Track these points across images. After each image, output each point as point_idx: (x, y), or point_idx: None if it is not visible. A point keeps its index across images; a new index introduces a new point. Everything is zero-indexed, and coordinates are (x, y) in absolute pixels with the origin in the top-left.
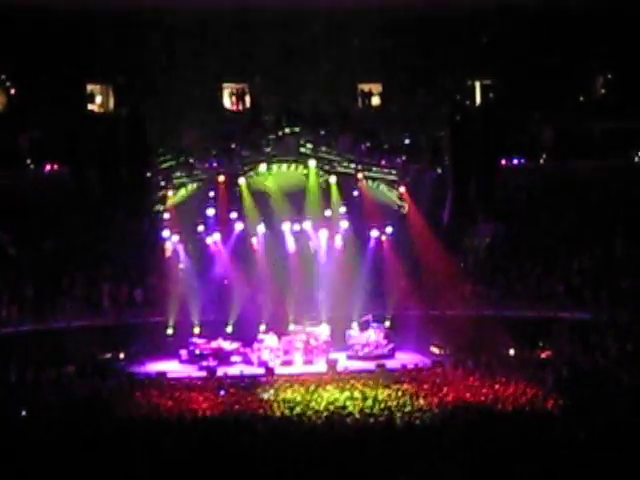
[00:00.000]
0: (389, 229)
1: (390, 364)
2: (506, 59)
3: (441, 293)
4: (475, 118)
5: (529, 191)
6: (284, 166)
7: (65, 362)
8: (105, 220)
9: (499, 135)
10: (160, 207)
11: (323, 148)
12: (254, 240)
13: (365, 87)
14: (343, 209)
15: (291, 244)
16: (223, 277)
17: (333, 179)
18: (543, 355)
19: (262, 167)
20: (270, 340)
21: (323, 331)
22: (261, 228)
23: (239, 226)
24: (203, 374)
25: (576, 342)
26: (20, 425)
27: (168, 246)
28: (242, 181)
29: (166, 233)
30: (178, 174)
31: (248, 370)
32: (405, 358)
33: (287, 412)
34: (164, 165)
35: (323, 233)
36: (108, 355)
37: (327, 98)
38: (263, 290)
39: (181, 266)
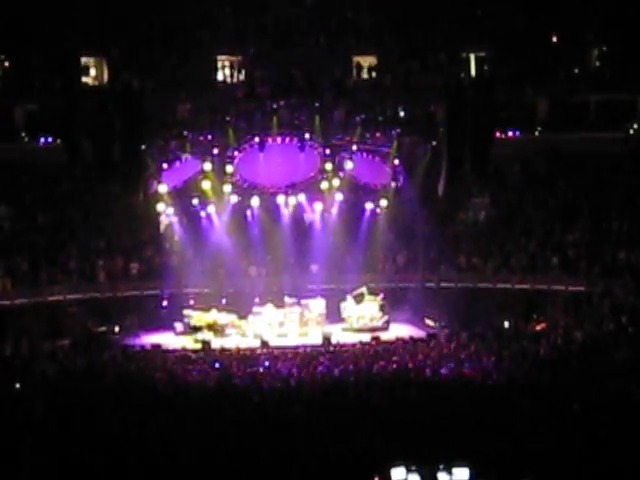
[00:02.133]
0: (384, 202)
1: (385, 336)
2: (500, 32)
3: (435, 265)
4: (470, 90)
5: (523, 163)
6: (278, 139)
7: (60, 335)
8: (99, 193)
9: (493, 107)
10: (156, 180)
11: (317, 120)
12: (248, 213)
13: (360, 59)
14: (337, 182)
15: (285, 217)
16: (217, 250)
17: (327, 151)
18: (538, 328)
19: (256, 139)
20: (267, 312)
21: (318, 304)
22: (255, 201)
23: (233, 199)
24: (198, 346)
25: (571, 314)
26: (14, 397)
27: (163, 219)
28: (236, 154)
29: (161, 206)
30: (173, 147)
31: (243, 343)
32: (400, 330)
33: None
34: (158, 138)
35: (318, 206)
36: (103, 328)
37: (321, 70)
38: (258, 263)
39: (176, 239)
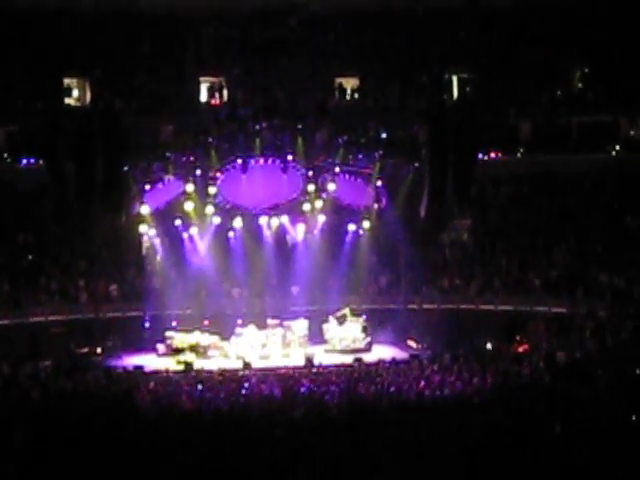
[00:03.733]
0: (366, 223)
1: (367, 357)
2: (483, 53)
3: (417, 287)
4: (452, 112)
5: (506, 185)
6: (261, 161)
7: (42, 356)
8: (81, 214)
9: (476, 129)
10: (138, 202)
11: (300, 142)
12: (231, 234)
13: (342, 81)
14: (320, 203)
15: (268, 238)
16: (200, 271)
17: (310, 173)
18: (520, 349)
19: (239, 161)
20: (248, 333)
21: (301, 325)
22: (238, 222)
23: (216, 220)
24: (181, 368)
25: (553, 336)
26: None
27: (145, 240)
28: (218, 175)
29: (143, 227)
30: (155, 168)
31: (226, 364)
32: (382, 352)
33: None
34: (141, 160)
35: (301, 227)
36: (85, 349)
37: (304, 92)
38: (240, 284)
39: (158, 260)
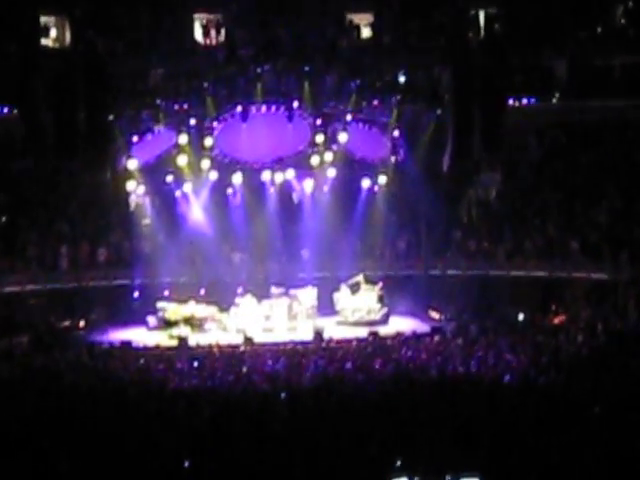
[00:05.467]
0: (382, 178)
1: (383, 331)
2: None
3: (441, 250)
4: (479, 52)
5: (540, 135)
6: (263, 108)
7: (18, 331)
8: (62, 170)
9: (506, 71)
10: (125, 155)
11: (307, 86)
12: (230, 191)
13: (354, 18)
14: (330, 156)
15: (271, 196)
16: (195, 234)
17: (319, 121)
18: (556, 320)
19: (238, 109)
20: (248, 304)
21: (309, 294)
22: (238, 178)
23: (213, 175)
24: (174, 343)
25: (593, 305)
26: None
27: (133, 199)
28: (215, 125)
29: (131, 184)
30: (144, 118)
31: (225, 338)
32: (400, 324)
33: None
34: (128, 108)
35: (308, 183)
36: (66, 323)
37: (312, 30)
38: (241, 248)
39: (147, 222)
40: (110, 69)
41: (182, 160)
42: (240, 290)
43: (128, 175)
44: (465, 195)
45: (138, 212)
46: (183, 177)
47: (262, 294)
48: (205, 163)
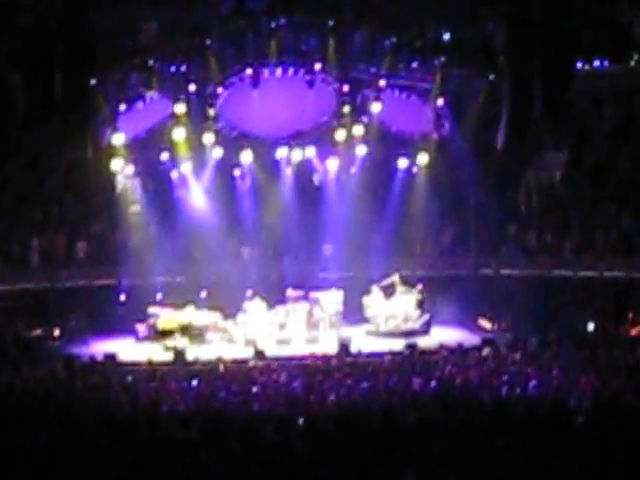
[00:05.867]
0: (423, 157)
1: (424, 342)
2: None
3: (494, 245)
4: (540, 5)
5: (615, 105)
6: (278, 71)
7: None
8: (34, 144)
9: (574, 29)
10: (110, 128)
11: (332, 45)
12: (237, 172)
13: None
14: (360, 130)
15: (288, 178)
16: (195, 224)
17: (346, 87)
18: (634, 331)
19: (248, 72)
20: (259, 310)
21: (333, 298)
22: (247, 156)
23: (217, 153)
24: (169, 357)
25: None
26: None
27: (120, 181)
28: (220, 91)
29: (117, 163)
30: (134, 82)
31: (230, 352)
32: (444, 335)
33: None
34: (114, 70)
35: (333, 163)
36: (38, 331)
37: None
38: (250, 242)
39: (137, 209)
40: (92, 22)
41: (179, 134)
42: (249, 293)
43: (113, 152)
44: (523, 178)
45: (125, 197)
46: (180, 155)
47: (276, 298)
48: (208, 138)
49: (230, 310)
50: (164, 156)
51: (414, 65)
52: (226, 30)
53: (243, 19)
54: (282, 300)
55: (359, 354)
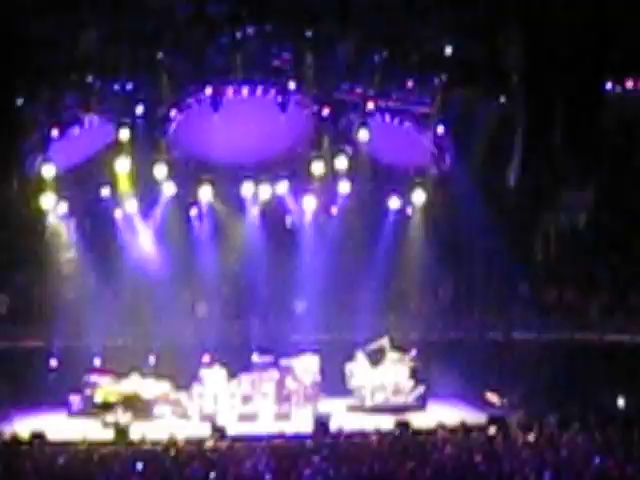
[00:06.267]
0: (419, 196)
1: (418, 420)
2: None
3: (504, 303)
4: (563, 13)
5: None
6: (245, 90)
7: None
8: None
9: (603, 42)
10: (39, 157)
11: (309, 60)
12: (194, 212)
13: None
14: (343, 162)
15: (254, 220)
16: (141, 274)
17: (326, 111)
18: None
19: (207, 91)
20: (217, 379)
21: (308, 365)
22: (206, 192)
23: (170, 189)
24: (108, 435)
25: None
26: None
27: (51, 222)
28: (174, 114)
29: (48, 200)
30: (70, 102)
31: (184, 429)
32: (443, 411)
33: None
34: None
35: (309, 201)
36: None
37: None
38: (208, 296)
39: (71, 256)
40: (19, 29)
41: (123, 166)
42: (206, 358)
43: (43, 186)
44: (540, 222)
45: (57, 241)
46: (125, 191)
47: (239, 365)
48: (159, 170)
49: (183, 379)
50: (105, 192)
51: (409, 85)
52: (181, 41)
53: (202, 28)
54: (246, 367)
55: (339, 434)
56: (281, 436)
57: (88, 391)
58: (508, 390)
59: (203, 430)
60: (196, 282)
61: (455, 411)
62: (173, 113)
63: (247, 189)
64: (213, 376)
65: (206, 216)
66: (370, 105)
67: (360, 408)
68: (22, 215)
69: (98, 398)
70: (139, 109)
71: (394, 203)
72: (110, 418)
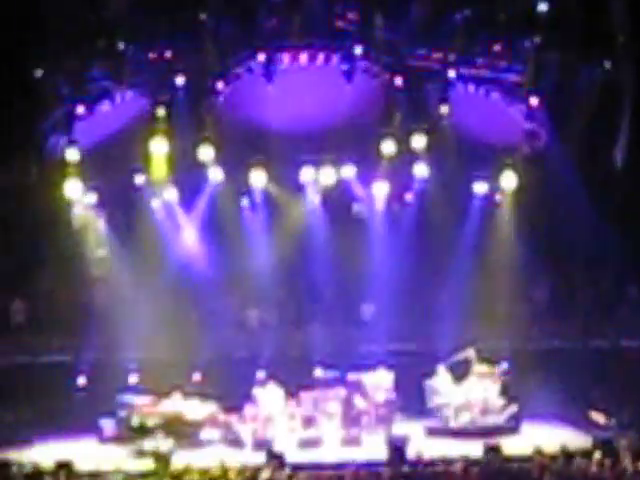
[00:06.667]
0: (510, 180)
1: (511, 444)
2: None
3: (610, 307)
4: None
5: None
6: (303, 57)
7: None
8: None
9: None
10: (62, 138)
11: (379, 21)
12: (245, 202)
13: None
14: (420, 141)
15: (316, 209)
16: (185, 275)
17: (399, 81)
18: None
19: (259, 58)
20: (273, 398)
21: (381, 381)
22: (259, 178)
23: (216, 174)
24: (148, 465)
25: None
26: None
27: (78, 213)
28: (220, 86)
29: (73, 188)
30: (97, 74)
31: (235, 456)
32: (539, 433)
33: None
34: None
35: (380, 187)
36: None
37: None
38: (262, 302)
39: (103, 253)
40: None
41: (160, 147)
42: (261, 375)
43: (67, 171)
44: None
45: (85, 237)
46: (162, 177)
47: (299, 382)
48: (203, 152)
49: (233, 399)
50: (139, 179)
51: (496, 48)
52: (228, 2)
53: None
54: (308, 385)
55: (418, 461)
56: (350, 464)
57: (122, 413)
58: (616, 408)
59: (258, 458)
60: (248, 285)
61: (554, 433)
62: (219, 85)
63: (307, 173)
64: (269, 395)
65: (259, 206)
66: (451, 73)
67: (442, 431)
68: (43, 206)
69: (134, 421)
70: (179, 80)
71: (480, 188)
72: (148, 445)
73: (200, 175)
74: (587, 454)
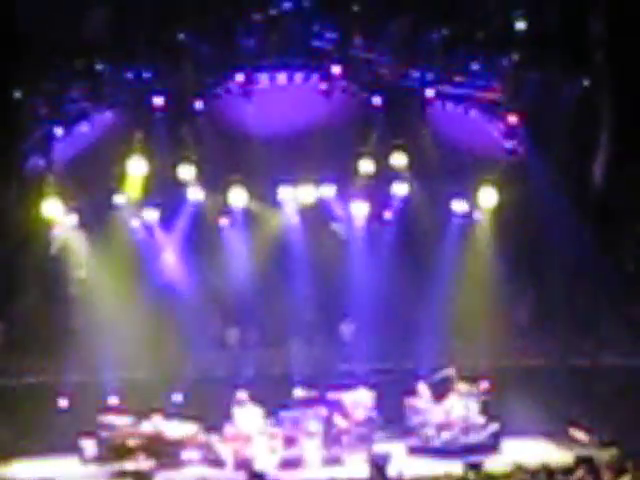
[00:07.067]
0: (489, 198)
1: (492, 462)
2: None
3: (591, 323)
4: None
5: None
6: (281, 76)
7: None
8: None
9: None
10: (41, 160)
11: (356, 41)
12: (225, 221)
13: None
14: (399, 159)
15: (295, 228)
16: (164, 295)
17: (378, 100)
18: None
19: (238, 78)
20: (253, 418)
21: (361, 400)
22: (238, 197)
23: (195, 194)
24: None
25: None
26: None
27: (58, 234)
28: (199, 106)
29: (52, 207)
30: (75, 95)
31: (216, 477)
32: (520, 451)
33: None
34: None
35: (359, 206)
36: None
37: None
38: (242, 321)
39: (82, 274)
40: (16, 8)
41: (139, 167)
42: (240, 395)
43: (46, 192)
44: (634, 227)
45: (66, 257)
46: (141, 197)
47: (279, 401)
48: (183, 171)
49: (214, 419)
50: (119, 199)
51: (474, 67)
52: (207, 20)
53: (230, 4)
54: (288, 405)
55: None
56: None
57: (103, 434)
58: (597, 425)
59: (239, 478)
60: (228, 304)
61: (535, 450)
62: (198, 105)
63: (286, 192)
64: (248, 415)
65: (239, 225)
66: (429, 92)
67: (423, 449)
68: (22, 226)
69: (115, 442)
70: (158, 100)
71: (459, 206)
72: (129, 465)
73: (180, 194)
74: (568, 471)
